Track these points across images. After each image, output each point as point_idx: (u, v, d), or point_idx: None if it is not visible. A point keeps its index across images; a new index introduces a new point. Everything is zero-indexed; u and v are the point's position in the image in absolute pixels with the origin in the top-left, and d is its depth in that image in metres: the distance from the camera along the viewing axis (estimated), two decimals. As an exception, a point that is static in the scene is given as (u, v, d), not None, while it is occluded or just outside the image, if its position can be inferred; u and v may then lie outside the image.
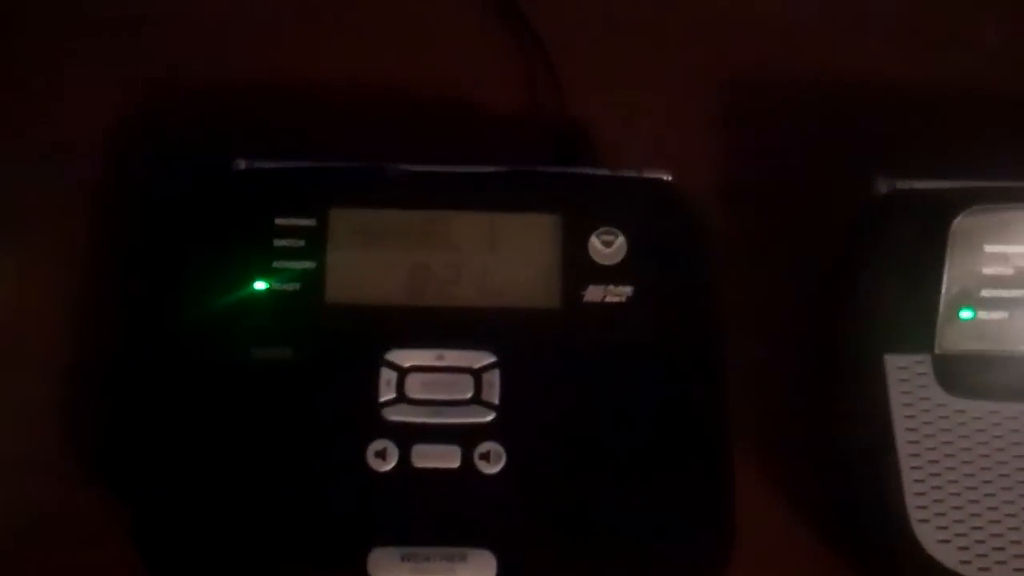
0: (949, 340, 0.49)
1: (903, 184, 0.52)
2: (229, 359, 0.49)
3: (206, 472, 0.47)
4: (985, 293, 0.49)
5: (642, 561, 0.47)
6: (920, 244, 0.50)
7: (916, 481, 0.47)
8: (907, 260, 0.50)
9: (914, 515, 0.47)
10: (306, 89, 0.57)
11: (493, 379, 0.48)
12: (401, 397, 0.48)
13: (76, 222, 0.55)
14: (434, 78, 0.57)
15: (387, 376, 0.48)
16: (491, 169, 0.52)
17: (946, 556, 0.46)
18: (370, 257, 0.50)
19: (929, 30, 0.58)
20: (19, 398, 0.52)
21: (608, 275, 0.50)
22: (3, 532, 0.50)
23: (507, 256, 0.50)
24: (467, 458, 0.47)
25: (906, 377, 0.49)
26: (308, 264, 0.50)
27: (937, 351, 0.49)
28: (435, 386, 0.48)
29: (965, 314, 0.49)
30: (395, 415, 0.48)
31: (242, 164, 0.52)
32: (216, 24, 0.58)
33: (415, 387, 0.48)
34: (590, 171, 0.53)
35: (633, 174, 0.52)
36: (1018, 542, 0.46)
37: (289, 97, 0.57)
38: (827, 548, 0.50)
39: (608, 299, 0.50)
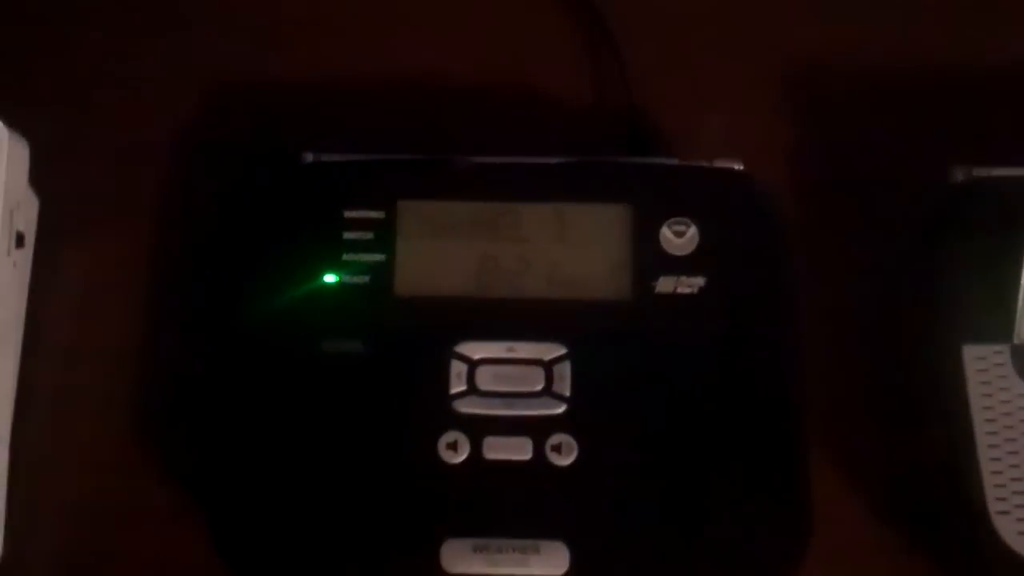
0: (1029, 330, 0.48)
1: (980, 172, 0.51)
2: (300, 352, 0.49)
3: (279, 467, 0.47)
4: (1065, 281, 0.49)
5: (716, 554, 0.46)
6: (998, 233, 0.49)
7: (995, 473, 0.46)
8: (985, 249, 0.49)
9: (993, 507, 0.46)
10: (373, 82, 0.57)
11: (564, 371, 0.48)
12: (472, 389, 0.48)
13: (146, 221, 0.55)
14: (502, 70, 0.57)
15: (457, 368, 0.48)
16: (559, 160, 0.51)
17: (1026, 548, 0.46)
18: (439, 249, 0.50)
19: (1001, 15, 0.57)
20: (93, 395, 0.53)
21: (680, 266, 0.49)
22: (80, 528, 0.51)
23: (576, 247, 0.50)
24: (539, 450, 0.47)
25: (984, 368, 0.48)
26: (377, 256, 0.50)
27: (1016, 341, 0.48)
28: (506, 378, 0.48)
29: (1045, 303, 0.49)
30: (466, 407, 0.48)
31: (310, 158, 0.52)
32: (281, 20, 0.58)
33: (486, 379, 0.48)
34: (660, 161, 0.52)
35: (704, 164, 0.52)
36: (1097, 534, 0.46)
37: (355, 91, 0.57)
38: (904, 542, 0.49)
39: (680, 290, 0.49)
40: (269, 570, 0.47)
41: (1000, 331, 0.48)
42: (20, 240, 0.52)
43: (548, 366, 0.48)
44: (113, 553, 0.50)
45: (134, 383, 0.53)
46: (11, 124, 0.51)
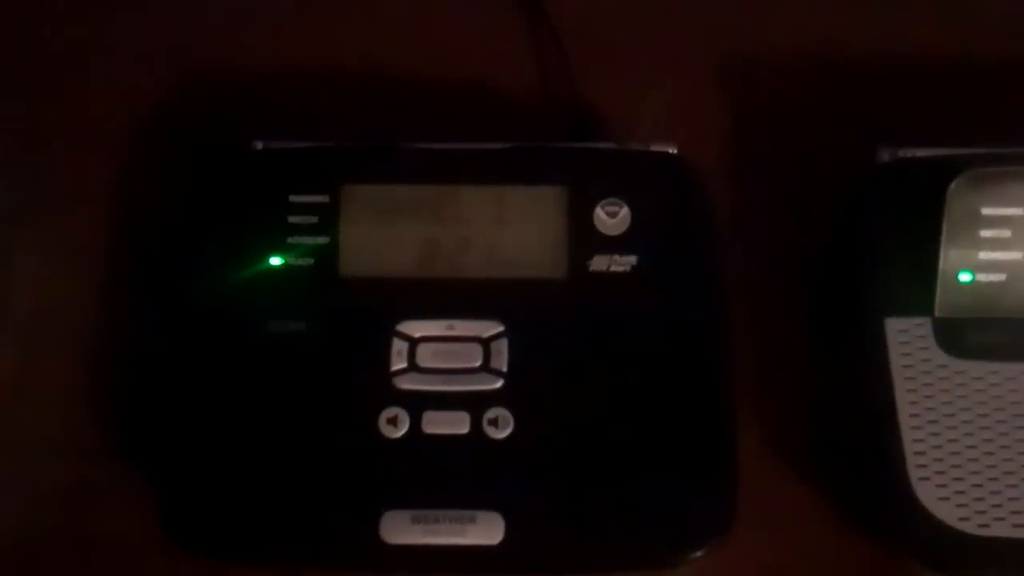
0: (949, 303, 0.50)
1: (905, 153, 0.52)
2: (246, 332, 0.50)
3: (225, 443, 0.49)
4: (983, 256, 0.50)
5: (647, 523, 0.48)
6: (918, 209, 0.51)
7: (916, 440, 0.48)
8: (906, 226, 0.51)
9: (914, 474, 0.48)
10: (318, 71, 0.59)
11: (501, 347, 0.50)
12: (412, 366, 0.50)
13: (96, 208, 0.57)
14: (445, 58, 0.58)
15: (398, 346, 0.50)
16: (499, 146, 0.53)
17: (946, 513, 0.47)
18: (382, 232, 0.52)
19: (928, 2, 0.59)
20: (45, 380, 0.54)
21: (613, 245, 0.51)
22: (33, 508, 0.52)
23: (514, 228, 0.52)
24: (476, 424, 0.49)
25: (907, 340, 0.49)
26: (322, 239, 0.51)
27: (937, 314, 0.50)
28: (445, 355, 0.50)
29: (964, 277, 0.50)
30: (406, 383, 0.49)
31: (259, 145, 0.54)
32: (228, 10, 0.60)
33: (426, 356, 0.50)
34: (596, 145, 0.54)
35: (638, 147, 0.53)
36: (1016, 499, 0.47)
37: (302, 79, 0.59)
38: (830, 509, 0.51)
39: (613, 268, 0.51)
40: (215, 543, 0.48)
41: (922, 304, 0.50)
42: (-25, 227, 0.53)
43: (486, 343, 0.50)
44: (68, 533, 0.52)
45: (89, 366, 0.54)
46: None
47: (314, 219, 0.52)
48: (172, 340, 0.51)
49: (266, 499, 0.48)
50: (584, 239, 0.51)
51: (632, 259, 0.51)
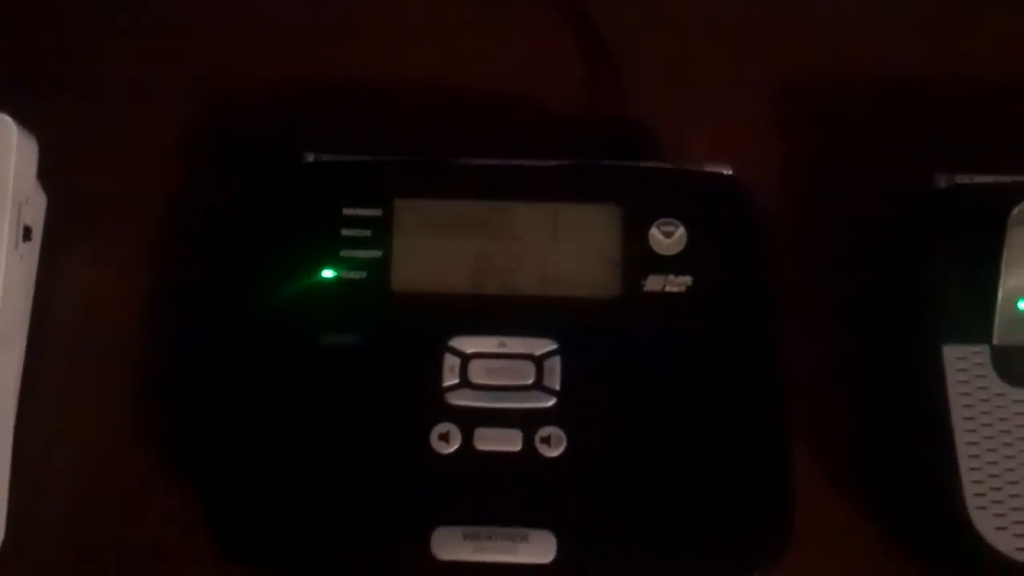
0: (1007, 331, 0.49)
1: (962, 178, 0.52)
2: (298, 345, 0.50)
3: (276, 455, 0.48)
4: (1043, 284, 0.50)
5: (699, 547, 0.47)
6: (978, 236, 0.50)
7: (973, 469, 0.48)
8: (965, 253, 0.50)
9: (971, 503, 0.47)
10: (374, 86, 0.58)
11: (554, 365, 0.49)
12: (464, 382, 0.49)
13: (151, 218, 0.57)
14: (500, 75, 0.58)
15: (450, 362, 0.49)
16: (553, 163, 0.53)
17: (1002, 543, 0.47)
18: (434, 247, 0.51)
19: (982, 27, 0.59)
20: (95, 388, 0.54)
21: (668, 265, 0.51)
22: (79, 512, 0.52)
23: (568, 246, 0.51)
24: (528, 441, 0.48)
25: (964, 367, 0.49)
26: (374, 253, 0.51)
27: (995, 342, 0.49)
28: (497, 372, 0.49)
29: (1023, 305, 0.50)
30: (458, 399, 0.49)
31: (311, 158, 0.53)
32: (277, 25, 0.60)
33: (478, 372, 0.49)
34: (651, 164, 0.53)
35: (694, 168, 0.53)
36: (1074, 530, 0.47)
37: (357, 94, 0.58)
38: (884, 536, 0.50)
39: (668, 289, 0.51)
40: (265, 556, 0.48)
41: (980, 332, 0.49)
42: (28, 234, 0.53)
43: (539, 361, 0.50)
44: (113, 542, 0.52)
45: (136, 377, 0.54)
46: (22, 121, 0.52)
47: (367, 232, 0.51)
48: (224, 352, 0.51)
49: (317, 512, 0.48)
50: (638, 259, 0.51)
51: (687, 280, 0.51)
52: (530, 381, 0.49)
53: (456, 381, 0.49)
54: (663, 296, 0.50)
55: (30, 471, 0.51)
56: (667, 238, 0.51)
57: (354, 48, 0.59)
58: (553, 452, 0.48)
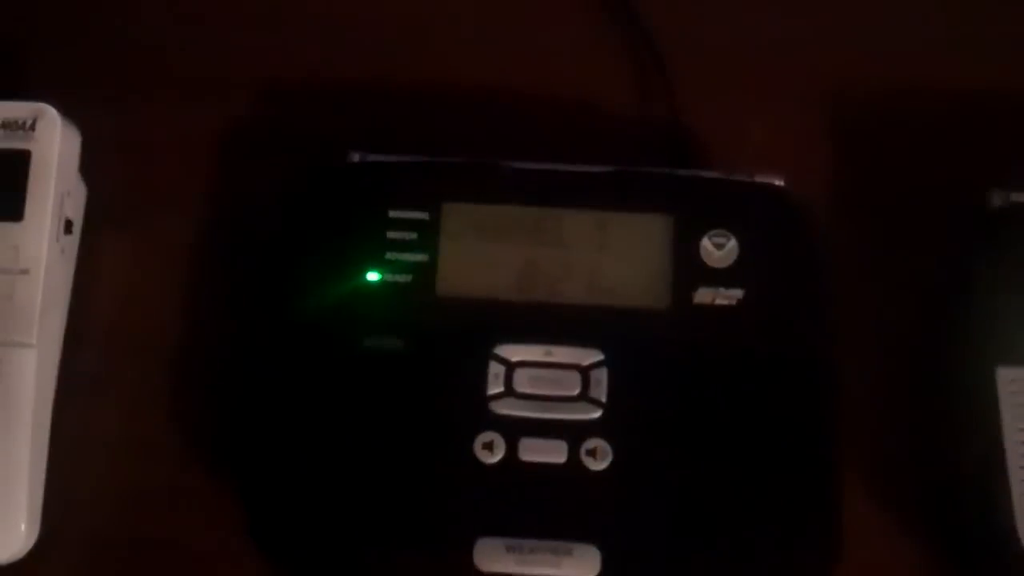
0: (1062, 353, 0.49)
1: (1017, 197, 0.51)
2: (342, 348, 0.49)
3: (318, 459, 0.48)
4: (1099, 305, 0.49)
5: (746, 564, 0.47)
6: (1033, 257, 0.50)
7: (1026, 490, 0.47)
8: (1020, 273, 0.50)
9: (1022, 522, 0.47)
10: (421, 86, 0.58)
11: (601, 377, 0.49)
12: (509, 391, 0.49)
13: (192, 212, 0.56)
14: (549, 79, 0.58)
15: (495, 370, 0.49)
16: (603, 169, 0.52)
17: (1054, 566, 0.46)
18: (481, 251, 0.51)
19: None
20: (132, 381, 0.54)
21: (719, 277, 0.50)
22: (116, 512, 0.52)
23: (617, 255, 0.51)
24: (573, 454, 0.48)
25: (1017, 389, 0.48)
26: (420, 257, 0.51)
27: (1050, 364, 0.49)
28: (543, 381, 0.49)
29: (1079, 327, 0.49)
30: (503, 408, 0.48)
31: (356, 157, 0.53)
32: (333, 22, 0.59)
33: (523, 382, 0.49)
34: (702, 173, 0.53)
35: (745, 178, 0.52)
36: None
37: (403, 93, 0.58)
38: (934, 559, 0.50)
39: (718, 301, 0.50)
40: (304, 560, 0.47)
41: (1035, 354, 0.49)
42: (68, 227, 0.53)
43: (585, 371, 0.49)
44: (147, 538, 0.51)
45: (172, 371, 0.54)
46: (64, 113, 0.52)
47: (413, 235, 0.51)
48: (267, 355, 0.50)
49: (357, 519, 0.47)
50: (689, 270, 0.50)
51: (738, 293, 0.50)
52: (576, 392, 0.49)
53: (501, 390, 0.49)
54: (713, 309, 0.50)
55: (67, 465, 0.51)
56: (718, 250, 0.50)
57: (402, 48, 0.58)
58: (599, 465, 0.48)
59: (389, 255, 0.51)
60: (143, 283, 0.55)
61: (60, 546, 0.51)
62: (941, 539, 0.50)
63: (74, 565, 0.51)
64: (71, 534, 0.51)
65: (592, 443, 0.48)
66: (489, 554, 0.46)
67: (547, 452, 0.48)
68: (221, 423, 0.52)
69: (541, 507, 0.47)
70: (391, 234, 0.51)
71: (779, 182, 0.52)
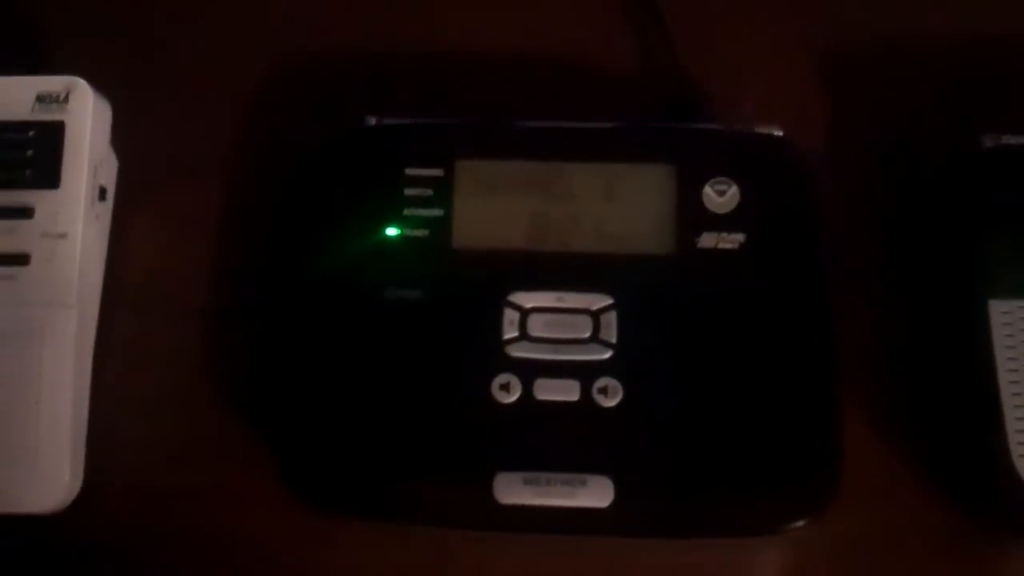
0: (1054, 286, 0.51)
1: (1008, 139, 0.53)
2: (364, 301, 0.52)
3: (344, 404, 0.50)
4: (1089, 239, 0.51)
5: (750, 493, 0.49)
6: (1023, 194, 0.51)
7: (1018, 419, 0.49)
8: (1011, 211, 0.52)
9: (1016, 453, 0.48)
10: (431, 49, 0.60)
11: (610, 320, 0.51)
12: (524, 335, 0.51)
13: (216, 178, 0.58)
14: (552, 39, 0.60)
15: (510, 316, 0.51)
16: (608, 124, 0.54)
17: (1047, 491, 0.48)
18: (494, 205, 0.53)
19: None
20: (166, 342, 0.56)
21: (721, 223, 0.52)
22: (154, 462, 0.54)
23: (623, 205, 0.53)
24: (586, 392, 0.50)
25: (1010, 321, 0.50)
26: (436, 212, 0.53)
27: (1042, 297, 0.51)
28: (555, 325, 0.51)
29: (1069, 261, 0.51)
30: (518, 351, 0.51)
31: (372, 121, 0.55)
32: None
33: (537, 326, 0.51)
34: (703, 126, 0.55)
35: (745, 129, 0.54)
36: (1116, 480, 0.48)
37: (415, 57, 0.60)
38: (929, 486, 0.52)
39: (721, 246, 0.52)
40: (334, 498, 0.50)
41: (1025, 288, 0.51)
42: (103, 194, 0.55)
43: (595, 315, 0.51)
44: (182, 488, 0.53)
45: (204, 329, 0.56)
46: (95, 86, 0.54)
47: (429, 192, 0.53)
48: (292, 307, 0.52)
49: (384, 458, 0.50)
50: (692, 216, 0.52)
51: (740, 237, 0.52)
52: (587, 335, 0.51)
53: (516, 334, 0.51)
54: (716, 252, 0.52)
55: (105, 423, 0.53)
56: (720, 196, 0.53)
57: (412, 13, 0.61)
58: (610, 402, 0.50)
59: (407, 211, 0.53)
60: (173, 247, 0.57)
61: (102, 495, 0.53)
62: (937, 469, 0.52)
63: (115, 513, 0.53)
64: (112, 484, 0.53)
65: (603, 382, 0.50)
66: (508, 487, 0.49)
67: (561, 391, 0.50)
68: (252, 377, 0.54)
69: (556, 442, 0.49)
70: (408, 191, 0.53)
71: (778, 132, 0.54)
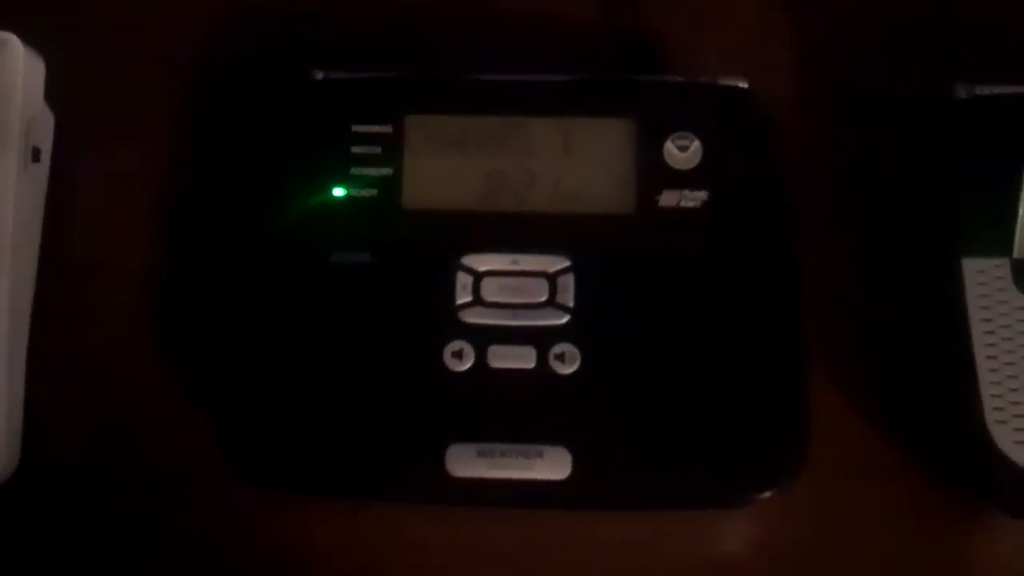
0: (1028, 244, 0.49)
1: (982, 89, 0.51)
2: (310, 264, 0.50)
3: (288, 373, 0.48)
4: (1065, 196, 0.49)
5: (714, 463, 0.47)
6: (999, 149, 0.49)
7: (992, 383, 0.47)
8: (986, 165, 0.50)
9: (991, 417, 0.47)
10: (381, 1, 0.58)
11: (568, 283, 0.49)
12: (477, 300, 0.49)
13: (158, 135, 0.56)
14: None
15: (463, 280, 0.49)
16: (565, 77, 0.52)
17: (1022, 457, 0.46)
18: (445, 163, 0.51)
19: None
20: (106, 308, 0.54)
21: (683, 180, 0.50)
22: (93, 434, 0.52)
23: (581, 161, 0.51)
24: (542, 359, 0.48)
25: (984, 280, 0.48)
26: (385, 171, 0.51)
27: (1016, 255, 0.49)
28: (510, 289, 0.49)
29: (1045, 218, 0.49)
30: (471, 317, 0.49)
31: (319, 75, 0.53)
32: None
33: (491, 290, 0.49)
34: (664, 78, 0.53)
35: (708, 81, 0.52)
36: (1093, 444, 0.46)
37: (364, 9, 0.58)
38: (902, 451, 0.50)
39: (683, 204, 0.50)
40: (278, 474, 0.48)
41: (1000, 245, 0.49)
42: (36, 155, 0.53)
43: (552, 278, 0.49)
44: (126, 463, 0.52)
45: (146, 296, 0.54)
46: (28, 42, 0.52)
47: (377, 150, 0.51)
48: (234, 271, 0.50)
49: (331, 430, 0.48)
50: (653, 173, 0.50)
51: (703, 194, 0.50)
52: (543, 299, 0.49)
53: (469, 299, 0.49)
54: (678, 211, 0.50)
55: (43, 392, 0.52)
56: (682, 152, 0.51)
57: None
58: (567, 369, 0.48)
59: (354, 170, 0.51)
60: (113, 208, 0.55)
61: (40, 472, 0.51)
62: (909, 435, 0.50)
63: (54, 491, 0.51)
64: (51, 460, 0.51)
65: (560, 348, 0.48)
66: (461, 459, 0.47)
67: (516, 358, 0.48)
68: (195, 344, 0.52)
69: (511, 412, 0.47)
70: (355, 149, 0.51)
71: (743, 84, 0.52)
